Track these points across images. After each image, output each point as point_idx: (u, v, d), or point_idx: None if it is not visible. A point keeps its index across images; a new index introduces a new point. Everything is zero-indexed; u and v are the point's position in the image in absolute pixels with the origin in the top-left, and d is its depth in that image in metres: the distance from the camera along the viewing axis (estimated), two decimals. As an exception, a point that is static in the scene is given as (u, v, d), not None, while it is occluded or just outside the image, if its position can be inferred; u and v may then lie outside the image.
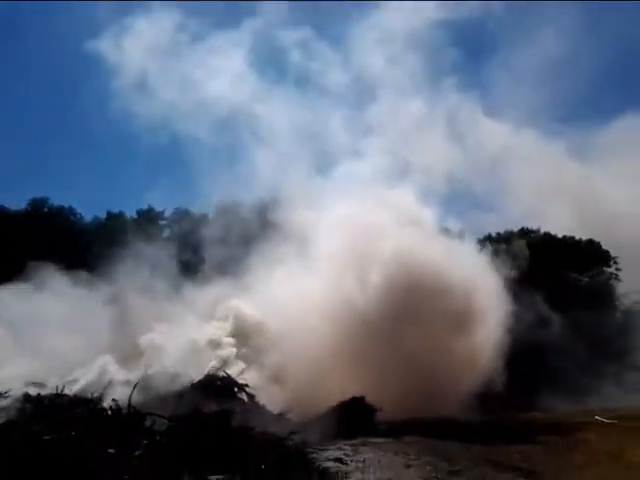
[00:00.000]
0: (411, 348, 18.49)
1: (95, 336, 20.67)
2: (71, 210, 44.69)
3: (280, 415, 15.85)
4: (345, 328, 19.72)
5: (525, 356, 22.43)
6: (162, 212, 51.25)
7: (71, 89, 67.70)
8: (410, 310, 19.22)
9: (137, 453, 9.35)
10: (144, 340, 20.67)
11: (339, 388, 17.19)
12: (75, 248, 41.43)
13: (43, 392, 14.37)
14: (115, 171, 65.00)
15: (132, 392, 12.07)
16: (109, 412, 11.31)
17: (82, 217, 45.43)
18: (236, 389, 16.29)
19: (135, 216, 51.06)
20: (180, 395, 15.29)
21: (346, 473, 9.48)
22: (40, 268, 25.93)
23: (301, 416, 16.41)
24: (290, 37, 36.50)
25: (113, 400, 11.91)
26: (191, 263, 32.49)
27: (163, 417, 10.98)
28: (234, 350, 20.92)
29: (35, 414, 11.71)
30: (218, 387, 15.92)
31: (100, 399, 12.42)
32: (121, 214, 49.15)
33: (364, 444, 12.77)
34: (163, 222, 51.41)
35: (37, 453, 8.92)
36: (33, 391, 14.35)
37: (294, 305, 21.27)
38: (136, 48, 34.43)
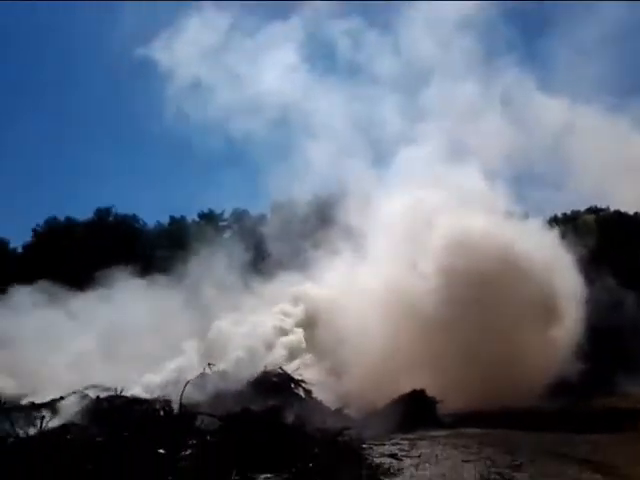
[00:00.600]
0: (480, 336, 17.68)
1: (175, 336, 21.05)
2: (135, 217, 46.23)
3: (338, 410, 15.57)
4: (407, 318, 19.19)
5: (600, 340, 21.23)
6: (222, 213, 52.25)
7: (126, 94, 69.74)
8: (481, 297, 18.32)
9: (184, 453, 9.28)
10: (213, 329, 21.00)
11: (400, 381, 16.76)
12: (142, 254, 42.77)
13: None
14: (174, 175, 66.72)
15: (182, 391, 12.07)
16: (161, 412, 11.35)
17: (145, 224, 46.91)
18: (292, 385, 16.09)
19: (197, 219, 52.33)
20: (237, 393, 15.22)
21: (399, 469, 9.06)
22: (115, 273, 26.89)
23: (360, 411, 16.13)
24: (339, 27, 36.01)
25: (165, 400, 12.01)
26: (254, 261, 32.82)
27: (213, 416, 10.90)
28: (301, 339, 20.96)
29: (94, 416, 11.88)
30: (274, 383, 15.77)
31: (157, 400, 12.50)
32: (183, 218, 50.44)
33: (422, 438, 12.28)
34: (223, 223, 52.38)
35: (89, 455, 9.02)
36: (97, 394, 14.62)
37: (353, 298, 21.01)
38: (189, 49, 34.86)
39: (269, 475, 8.84)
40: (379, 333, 19.04)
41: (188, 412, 11.23)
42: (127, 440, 9.77)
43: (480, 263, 18.84)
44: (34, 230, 44.25)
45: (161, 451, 9.44)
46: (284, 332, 21.44)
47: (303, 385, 16.20)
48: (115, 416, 11.20)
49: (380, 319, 19.48)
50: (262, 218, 44.37)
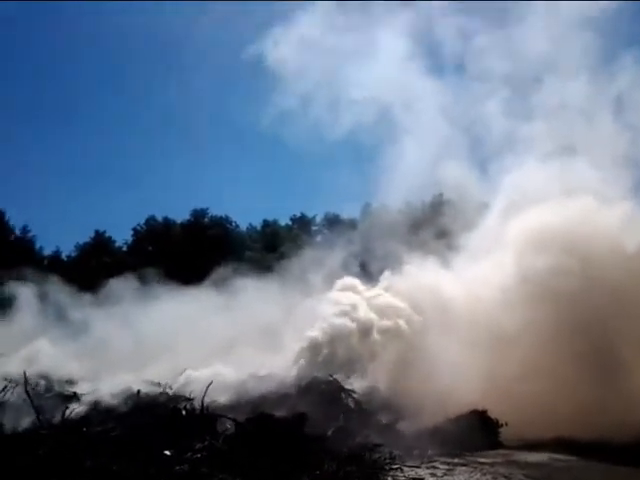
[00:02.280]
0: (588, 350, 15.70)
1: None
2: (227, 219, 47.52)
3: (388, 425, 14.62)
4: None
5: None
6: (314, 218, 52.59)
7: (226, 93, 71.64)
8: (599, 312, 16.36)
9: (188, 456, 8.92)
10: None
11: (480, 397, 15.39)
12: (237, 255, 43.83)
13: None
14: (269, 178, 67.84)
15: (205, 392, 11.74)
16: (183, 412, 11.12)
17: (237, 226, 48.14)
18: (342, 394, 15.37)
19: (289, 222, 53.05)
20: (281, 397, 14.77)
21: (412, 498, 8.12)
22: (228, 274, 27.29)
23: (420, 426, 15.01)
24: (451, 25, 34.54)
25: (188, 400, 11.81)
26: (347, 265, 32.43)
27: (233, 420, 10.49)
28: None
29: (128, 412, 11.89)
30: (322, 391, 15.14)
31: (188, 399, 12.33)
32: (275, 222, 51.35)
33: (466, 464, 11.15)
34: (315, 228, 52.69)
35: (97, 451, 8.93)
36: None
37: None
38: (296, 48, 34.81)
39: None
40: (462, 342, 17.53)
41: (208, 414, 10.89)
42: (139, 437, 9.61)
43: (602, 271, 16.91)
44: (134, 229, 46.74)
45: (167, 452, 9.17)
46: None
47: (354, 395, 15.39)
48: (138, 412, 11.08)
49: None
50: (353, 222, 44.04)
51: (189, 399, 12.27)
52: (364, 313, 20.18)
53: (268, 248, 46.01)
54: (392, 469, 10.05)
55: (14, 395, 12.61)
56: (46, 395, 13.89)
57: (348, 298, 20.87)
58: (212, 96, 72.43)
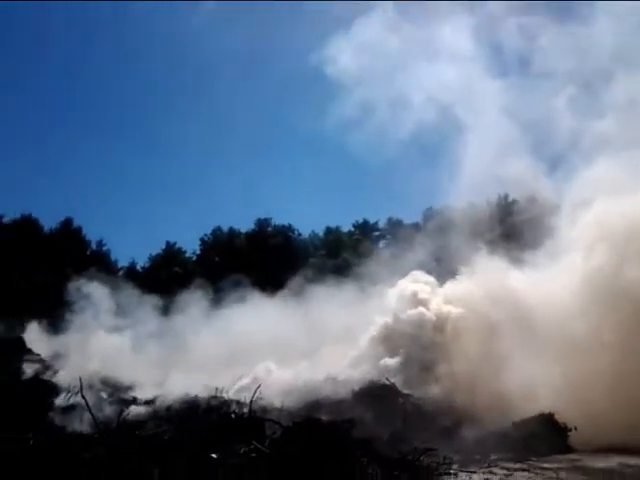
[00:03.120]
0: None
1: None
2: (290, 227, 47.93)
3: (449, 428, 14.16)
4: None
5: None
6: (376, 223, 52.15)
7: (289, 99, 72.00)
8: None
9: (232, 460, 8.90)
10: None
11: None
12: (301, 263, 44.10)
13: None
14: (331, 185, 67.81)
15: (253, 396, 11.71)
16: (232, 416, 11.16)
17: (300, 234, 48.44)
18: (400, 399, 15.06)
19: (352, 229, 52.83)
20: (338, 402, 14.63)
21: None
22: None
23: (483, 430, 14.43)
24: (516, 25, 33.45)
25: (237, 404, 11.84)
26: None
27: (279, 423, 10.42)
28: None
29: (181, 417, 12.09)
30: (378, 396, 14.87)
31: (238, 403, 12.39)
32: (338, 228, 51.27)
33: (528, 469, 10.60)
34: (377, 233, 52.21)
35: (146, 454, 9.08)
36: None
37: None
38: (357, 55, 34.57)
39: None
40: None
41: (256, 417, 10.88)
42: (189, 440, 9.71)
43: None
44: (201, 239, 47.95)
45: (213, 456, 9.20)
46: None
47: (411, 400, 15.04)
48: (189, 416, 11.22)
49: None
50: (416, 226, 43.39)
51: (240, 403, 12.31)
52: (438, 305, 19.68)
53: (331, 255, 45.99)
54: (444, 474, 9.65)
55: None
56: (109, 399, 14.34)
57: (422, 289, 20.42)
58: (274, 104, 73.54)
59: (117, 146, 70.36)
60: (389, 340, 18.53)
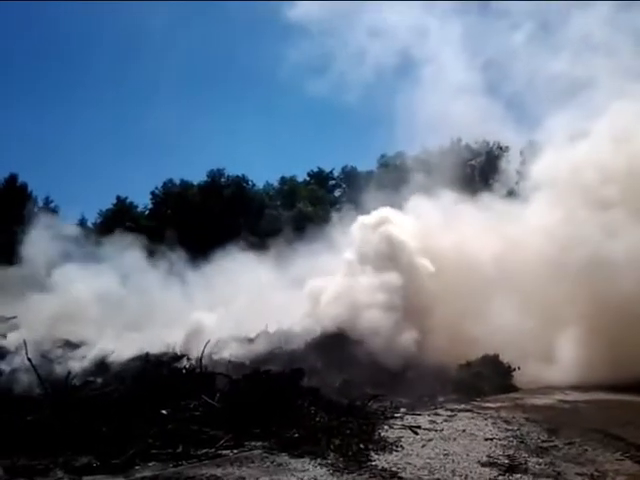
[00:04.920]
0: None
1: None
2: (244, 178, 47.31)
3: (398, 374, 14.55)
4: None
5: None
6: (331, 172, 52.05)
7: (246, 47, 70.11)
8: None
9: (182, 415, 8.98)
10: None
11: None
12: (256, 213, 43.80)
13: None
14: (285, 134, 67.01)
15: (203, 350, 11.76)
16: (183, 371, 11.21)
17: (254, 184, 47.96)
18: (352, 346, 15.30)
19: (307, 178, 52.60)
20: (290, 353, 14.83)
21: (402, 445, 8.05)
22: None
23: (433, 374, 14.85)
24: None
25: (187, 359, 11.90)
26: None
27: (228, 376, 10.51)
28: None
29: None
30: (329, 344, 15.10)
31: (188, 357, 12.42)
32: (292, 178, 50.97)
33: (471, 410, 11.02)
34: (332, 182, 52.23)
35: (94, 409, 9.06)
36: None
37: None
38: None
39: (260, 442, 8.24)
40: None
41: (207, 372, 10.95)
42: (138, 398, 9.71)
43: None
44: (152, 193, 47.02)
45: (163, 412, 9.25)
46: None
47: (365, 346, 15.30)
48: (142, 373, 11.20)
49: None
50: (370, 174, 43.56)
51: (190, 359, 12.34)
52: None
53: (286, 205, 45.87)
54: (391, 417, 9.96)
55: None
56: (58, 360, 14.10)
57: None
58: (228, 47, 71.52)
59: (66, 97, 67.44)
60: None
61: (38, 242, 21.95)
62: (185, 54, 73.36)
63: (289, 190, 49.15)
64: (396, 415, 10.41)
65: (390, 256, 17.65)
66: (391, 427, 9.27)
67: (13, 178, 44.98)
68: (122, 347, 14.32)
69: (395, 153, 45.69)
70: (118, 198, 48.67)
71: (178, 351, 13.95)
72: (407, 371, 14.71)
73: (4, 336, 16.39)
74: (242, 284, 21.52)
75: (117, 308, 19.32)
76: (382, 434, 8.66)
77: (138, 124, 69.13)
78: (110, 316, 18.47)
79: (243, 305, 19.53)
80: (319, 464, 7.21)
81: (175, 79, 72.84)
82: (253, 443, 8.23)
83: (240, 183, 47.23)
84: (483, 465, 7.17)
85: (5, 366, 12.43)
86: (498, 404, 11.75)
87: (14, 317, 16.82)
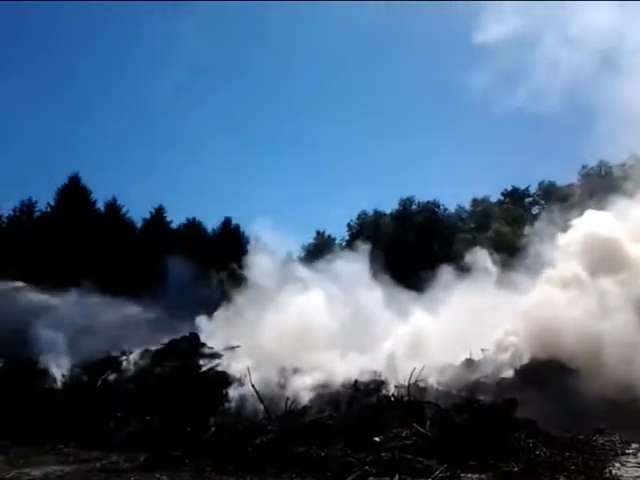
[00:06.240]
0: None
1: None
2: (435, 203, 47.01)
3: (624, 406, 13.16)
4: None
5: None
6: (527, 189, 49.38)
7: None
8: None
9: (393, 444, 9.08)
10: None
11: None
12: (448, 238, 43.31)
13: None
14: (471, 155, 65.01)
15: (409, 378, 11.73)
16: (392, 399, 11.36)
17: (446, 209, 47.31)
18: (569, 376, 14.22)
19: (501, 198, 50.55)
20: (498, 382, 14.25)
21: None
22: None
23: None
24: None
25: (395, 387, 11.96)
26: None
27: (437, 406, 10.41)
28: None
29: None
30: (543, 373, 14.19)
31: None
32: (485, 199, 49.29)
33: None
34: (529, 200, 49.46)
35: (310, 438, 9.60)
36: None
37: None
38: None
39: (477, 475, 8.04)
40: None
41: (414, 401, 10.97)
42: (351, 424, 10.09)
43: None
44: (348, 225, 48.89)
45: (376, 439, 9.46)
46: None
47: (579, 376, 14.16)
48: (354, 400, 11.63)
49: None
50: (571, 187, 40.74)
51: (397, 386, 12.45)
52: None
53: (480, 227, 44.50)
54: (622, 454, 9.07)
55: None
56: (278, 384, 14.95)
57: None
58: (410, 81, 72.68)
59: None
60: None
61: (261, 269, 22.87)
62: (382, 80, 75.12)
63: (482, 212, 47.66)
64: (628, 451, 9.43)
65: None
66: (623, 465, 8.42)
67: (228, 220, 50.01)
68: (344, 369, 14.70)
69: (598, 162, 42.20)
70: (317, 232, 51.33)
71: (384, 377, 14.12)
72: (636, 402, 13.25)
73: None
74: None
75: (341, 328, 19.34)
76: (613, 472, 7.90)
77: (333, 158, 72.47)
78: (334, 336, 18.60)
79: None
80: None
81: (364, 110, 75.44)
82: (470, 475, 8.03)
83: (431, 208, 47.07)
84: None
85: (233, 393, 13.71)
86: None
87: (238, 346, 18.24)
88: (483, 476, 7.92)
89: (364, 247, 23.36)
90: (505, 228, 44.25)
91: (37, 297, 22.18)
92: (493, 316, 18.60)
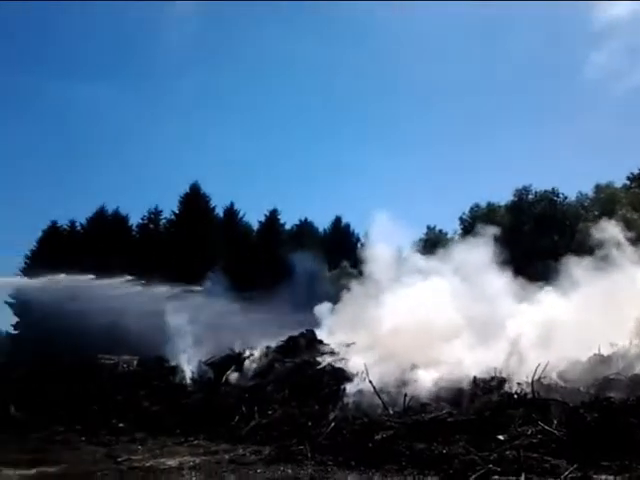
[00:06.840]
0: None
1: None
2: (554, 192, 44.43)
3: None
4: None
5: None
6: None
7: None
8: None
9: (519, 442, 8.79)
10: None
11: None
12: (570, 228, 41.08)
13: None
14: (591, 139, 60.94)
15: (533, 375, 11.24)
16: (515, 396, 10.97)
17: (566, 197, 44.56)
18: None
19: (627, 182, 47.00)
20: (632, 378, 13.27)
21: None
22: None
23: None
24: None
25: (518, 384, 11.51)
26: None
27: (565, 404, 9.93)
28: None
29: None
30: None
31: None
32: (609, 184, 45.94)
33: None
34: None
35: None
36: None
37: None
38: None
39: (612, 477, 7.62)
40: None
41: (540, 398, 10.53)
42: (471, 422, 9.92)
43: None
44: (460, 219, 47.54)
45: (500, 437, 9.23)
46: None
47: None
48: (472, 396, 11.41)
49: None
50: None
51: (520, 383, 11.99)
52: None
53: (605, 215, 41.60)
54: None
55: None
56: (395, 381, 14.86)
57: None
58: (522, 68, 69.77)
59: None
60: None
61: (378, 262, 22.62)
62: (493, 70, 72.78)
63: (607, 198, 44.50)
64: None
65: None
66: None
67: (338, 220, 50.67)
68: (467, 364, 14.27)
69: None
70: (428, 227, 50.50)
71: (506, 373, 13.64)
72: None
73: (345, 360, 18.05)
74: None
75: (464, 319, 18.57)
76: None
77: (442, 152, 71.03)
78: (457, 329, 17.93)
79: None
80: None
81: (474, 104, 73.29)
82: (604, 477, 7.62)
83: (550, 197, 44.53)
84: None
85: (350, 388, 13.88)
86: None
87: (353, 343, 18.37)
88: (618, 478, 7.48)
89: (487, 234, 22.07)
90: (633, 214, 41.13)
91: (165, 294, 23.60)
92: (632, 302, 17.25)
